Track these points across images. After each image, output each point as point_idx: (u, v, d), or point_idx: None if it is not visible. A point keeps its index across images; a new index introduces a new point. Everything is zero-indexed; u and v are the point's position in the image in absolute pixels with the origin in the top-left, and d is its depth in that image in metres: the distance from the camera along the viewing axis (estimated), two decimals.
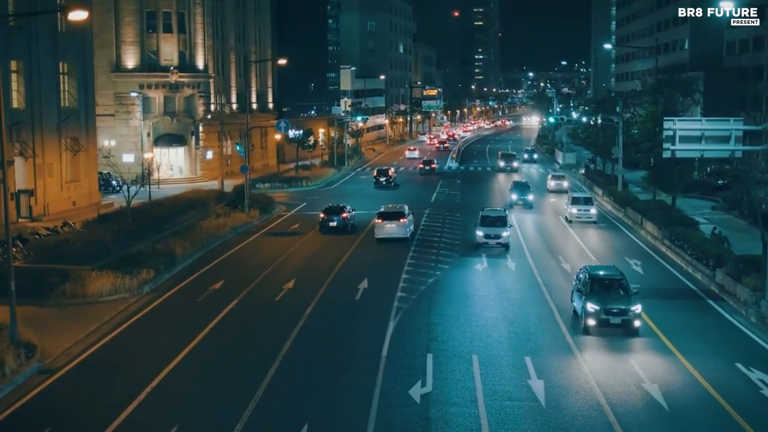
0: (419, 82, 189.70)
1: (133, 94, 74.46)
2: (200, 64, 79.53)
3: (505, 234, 42.30)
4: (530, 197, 60.00)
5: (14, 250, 32.50)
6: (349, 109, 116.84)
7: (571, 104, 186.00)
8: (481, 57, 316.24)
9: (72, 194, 56.51)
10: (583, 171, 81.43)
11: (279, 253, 42.19)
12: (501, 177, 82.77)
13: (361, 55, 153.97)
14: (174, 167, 78.24)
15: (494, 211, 45.41)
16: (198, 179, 76.80)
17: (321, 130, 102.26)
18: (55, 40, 54.57)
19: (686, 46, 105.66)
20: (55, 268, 33.93)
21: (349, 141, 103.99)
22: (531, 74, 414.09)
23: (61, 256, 36.10)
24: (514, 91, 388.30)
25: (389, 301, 31.89)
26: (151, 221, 45.71)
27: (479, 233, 42.59)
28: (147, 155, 67.49)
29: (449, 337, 27.38)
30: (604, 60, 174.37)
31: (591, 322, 27.61)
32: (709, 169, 62.92)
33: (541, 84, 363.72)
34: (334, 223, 48.20)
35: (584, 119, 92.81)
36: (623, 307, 27.60)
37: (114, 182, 66.75)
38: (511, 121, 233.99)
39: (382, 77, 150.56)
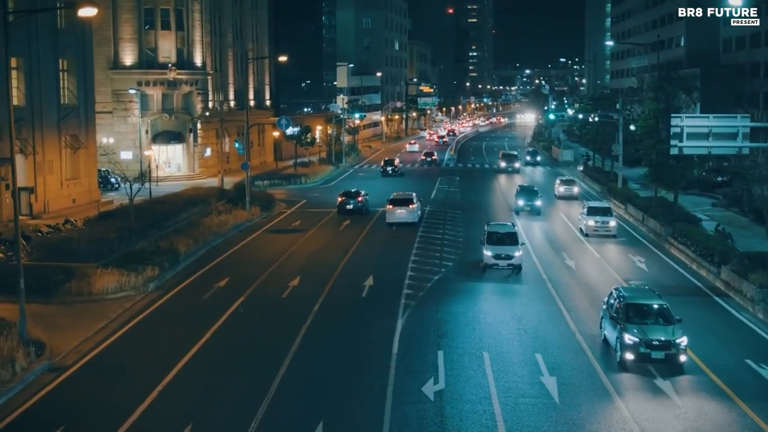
0: (415, 80, 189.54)
1: (131, 92, 74.20)
2: (198, 61, 79.32)
3: (517, 254, 36.28)
4: (538, 203, 54.49)
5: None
6: (345, 106, 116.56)
7: (565, 101, 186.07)
8: (475, 54, 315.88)
9: (72, 192, 56.28)
10: (581, 168, 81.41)
11: (282, 250, 42.11)
12: (501, 176, 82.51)
13: (357, 52, 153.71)
14: (172, 164, 78.06)
15: (502, 226, 39.18)
16: (196, 176, 76.60)
17: (318, 127, 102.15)
18: (55, 37, 54.29)
19: (682, 43, 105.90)
20: (59, 266, 33.83)
21: (346, 138, 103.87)
22: (526, 71, 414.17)
23: (64, 254, 35.97)
24: (508, 88, 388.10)
25: (396, 299, 31.87)
26: (153, 218, 45.63)
27: (487, 253, 36.37)
28: (147, 153, 67.31)
29: (458, 333, 27.32)
30: (598, 57, 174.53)
31: (629, 356, 23.88)
32: (707, 166, 62.93)
33: (536, 81, 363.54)
34: (351, 206, 53.53)
35: (580, 116, 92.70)
36: (667, 339, 23.84)
37: (113, 179, 66.67)
38: (506, 119, 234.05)
39: (378, 74, 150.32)
